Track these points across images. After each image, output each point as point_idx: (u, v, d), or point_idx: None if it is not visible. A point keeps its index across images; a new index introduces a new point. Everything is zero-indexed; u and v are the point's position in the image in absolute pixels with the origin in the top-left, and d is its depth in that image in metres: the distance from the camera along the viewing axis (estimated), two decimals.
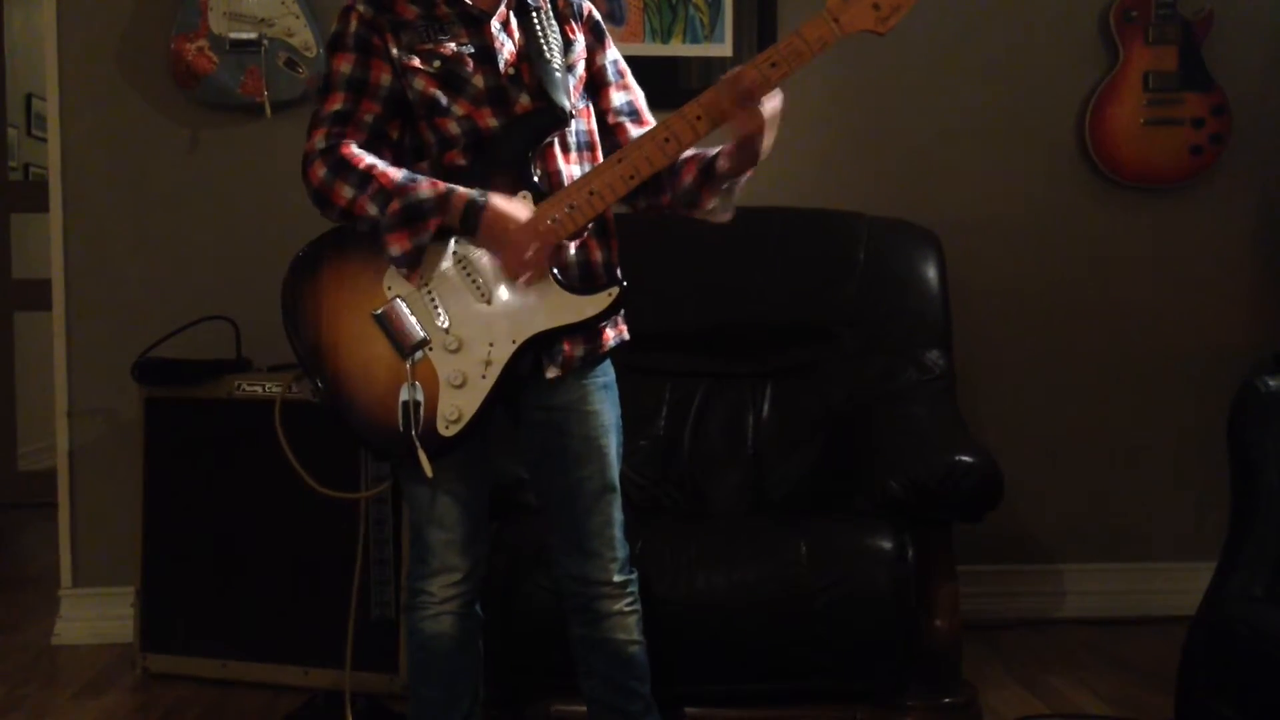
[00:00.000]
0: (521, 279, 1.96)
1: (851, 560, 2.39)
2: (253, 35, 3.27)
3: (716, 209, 2.06)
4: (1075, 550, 3.52)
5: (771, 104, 1.92)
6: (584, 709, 2.23)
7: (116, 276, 3.38)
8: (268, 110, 3.28)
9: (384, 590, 2.83)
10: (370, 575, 2.85)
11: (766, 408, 2.95)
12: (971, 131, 3.46)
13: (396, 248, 1.94)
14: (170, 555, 3.09)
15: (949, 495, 2.42)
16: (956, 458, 2.45)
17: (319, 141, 1.98)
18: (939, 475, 2.43)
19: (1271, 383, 2.12)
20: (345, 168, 1.95)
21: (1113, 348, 3.52)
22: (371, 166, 1.95)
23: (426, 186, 1.93)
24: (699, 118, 1.93)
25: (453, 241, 1.98)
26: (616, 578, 2.11)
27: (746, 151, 1.97)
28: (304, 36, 3.29)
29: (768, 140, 1.95)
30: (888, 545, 2.39)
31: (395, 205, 1.92)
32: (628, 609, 2.13)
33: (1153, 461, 3.52)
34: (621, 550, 2.13)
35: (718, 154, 2.01)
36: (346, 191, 1.94)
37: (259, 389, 2.99)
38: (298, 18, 3.29)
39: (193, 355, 3.11)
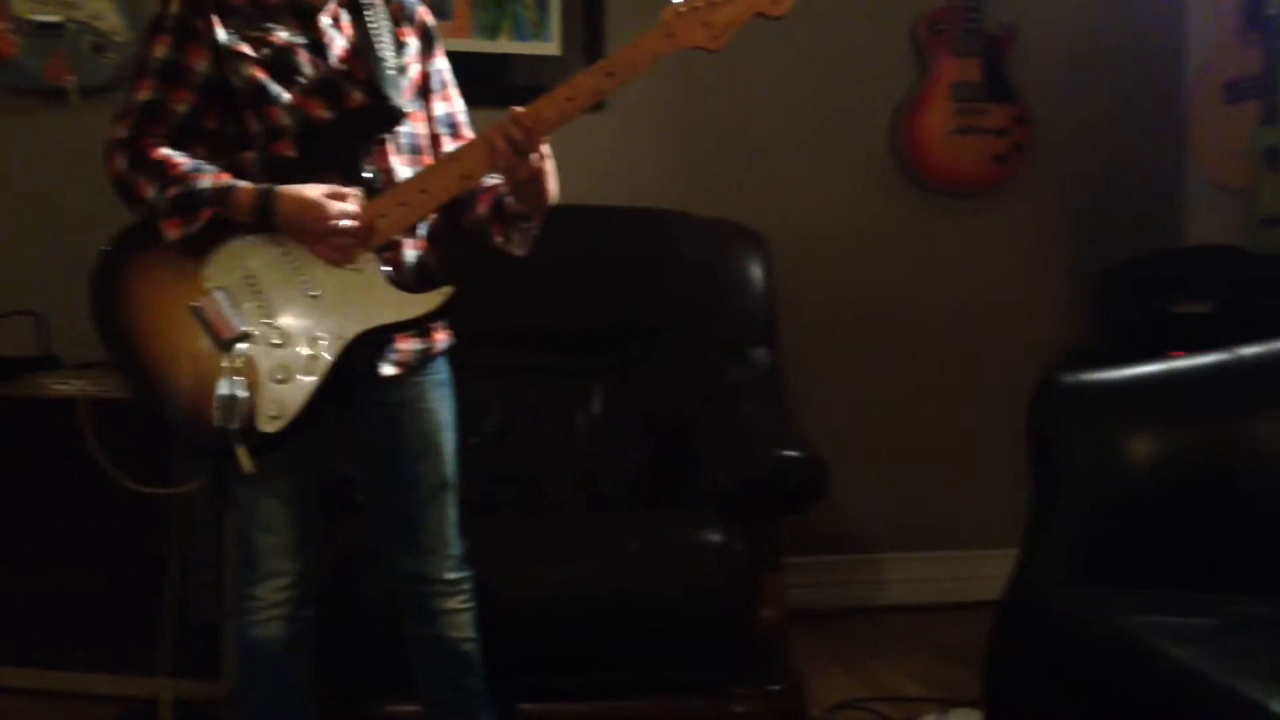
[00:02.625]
0: (344, 261, 1.92)
1: (682, 553, 2.44)
2: (58, 18, 3.12)
3: (508, 243, 2.07)
4: (895, 540, 3.65)
5: (543, 150, 1.94)
6: (418, 708, 2.22)
7: None
8: (74, 96, 3.13)
9: (206, 594, 2.74)
10: (192, 578, 2.76)
11: (598, 405, 2.98)
12: (794, 138, 3.54)
13: (169, 234, 1.89)
14: None
15: (776, 489, 2.49)
16: (782, 452, 2.53)
17: (121, 131, 1.92)
18: (766, 470, 2.50)
19: (1067, 378, 2.24)
20: (143, 160, 1.89)
21: (928, 347, 3.65)
22: (166, 157, 1.90)
23: (209, 178, 1.89)
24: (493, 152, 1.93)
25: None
26: (451, 575, 2.11)
27: (529, 197, 1.98)
28: (112, 21, 3.16)
29: (551, 186, 1.97)
30: (717, 538, 2.44)
31: (174, 190, 1.87)
32: (462, 606, 2.13)
33: (965, 455, 3.66)
34: (456, 547, 2.12)
35: (508, 192, 2.02)
36: (141, 180, 1.89)
37: (67, 386, 2.86)
38: (106, 1, 3.16)
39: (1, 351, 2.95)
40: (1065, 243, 3.72)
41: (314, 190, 1.90)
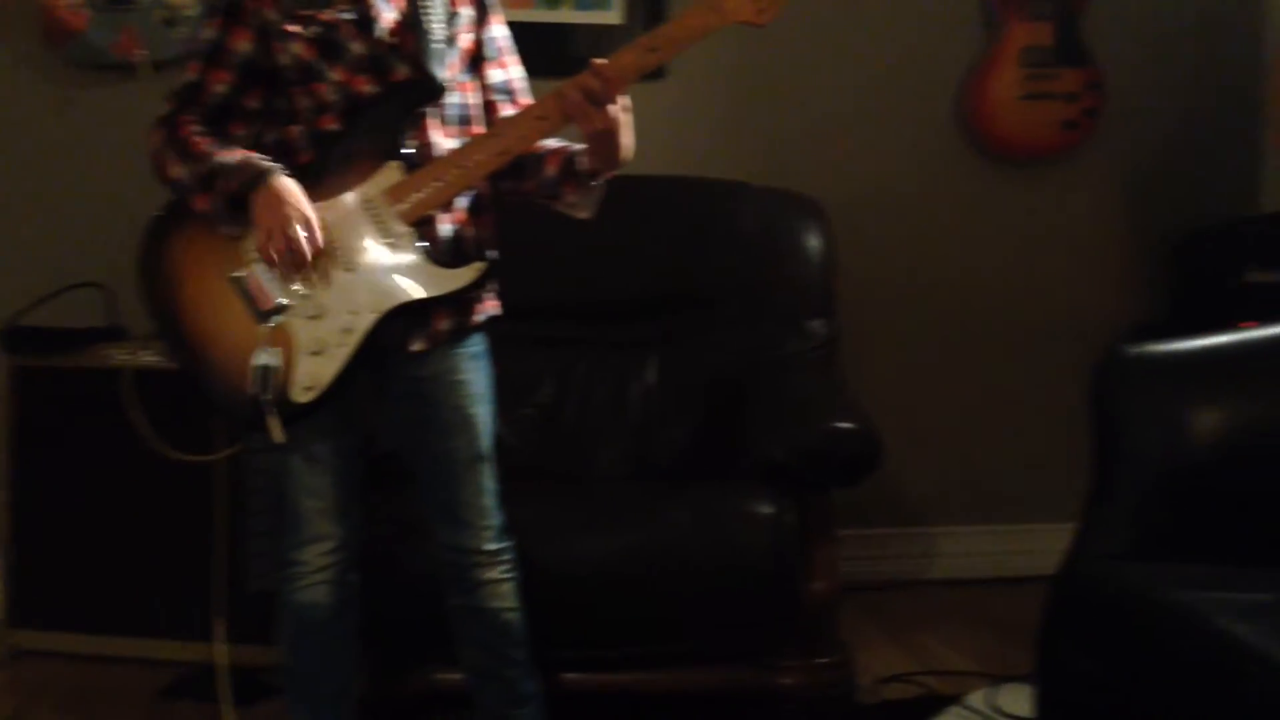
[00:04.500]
0: (268, 260, 1.94)
1: (732, 525, 2.44)
2: None
3: (577, 205, 2.07)
4: (949, 513, 3.61)
5: (622, 103, 1.94)
6: (464, 677, 2.23)
7: None
8: (144, 70, 3.18)
9: (260, 561, 2.78)
10: (247, 545, 2.81)
11: (650, 376, 2.96)
12: (857, 105, 3.49)
13: (198, 207, 1.95)
14: (41, 529, 3.00)
15: (827, 460, 2.47)
16: (835, 424, 2.50)
17: (164, 109, 1.99)
18: (818, 441, 2.48)
19: (1132, 349, 2.19)
20: (175, 138, 1.96)
21: (988, 317, 3.59)
22: (192, 135, 1.95)
23: (230, 154, 1.94)
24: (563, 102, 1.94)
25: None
26: (490, 546, 2.12)
27: (602, 151, 1.97)
28: None
29: (625, 140, 1.96)
30: (768, 510, 2.43)
31: (199, 168, 1.93)
32: (503, 576, 2.14)
33: (1023, 427, 3.60)
34: (495, 518, 2.13)
35: (581, 149, 2.02)
36: (169, 157, 1.96)
37: (132, 357, 2.92)
38: None
39: (65, 323, 3.01)
40: (1134, 212, 3.62)
41: (294, 195, 1.91)
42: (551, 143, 2.07)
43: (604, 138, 1.94)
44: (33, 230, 3.27)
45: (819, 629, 2.50)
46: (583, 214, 2.08)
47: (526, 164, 2.07)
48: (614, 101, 1.91)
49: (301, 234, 1.90)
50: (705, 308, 2.99)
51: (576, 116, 1.92)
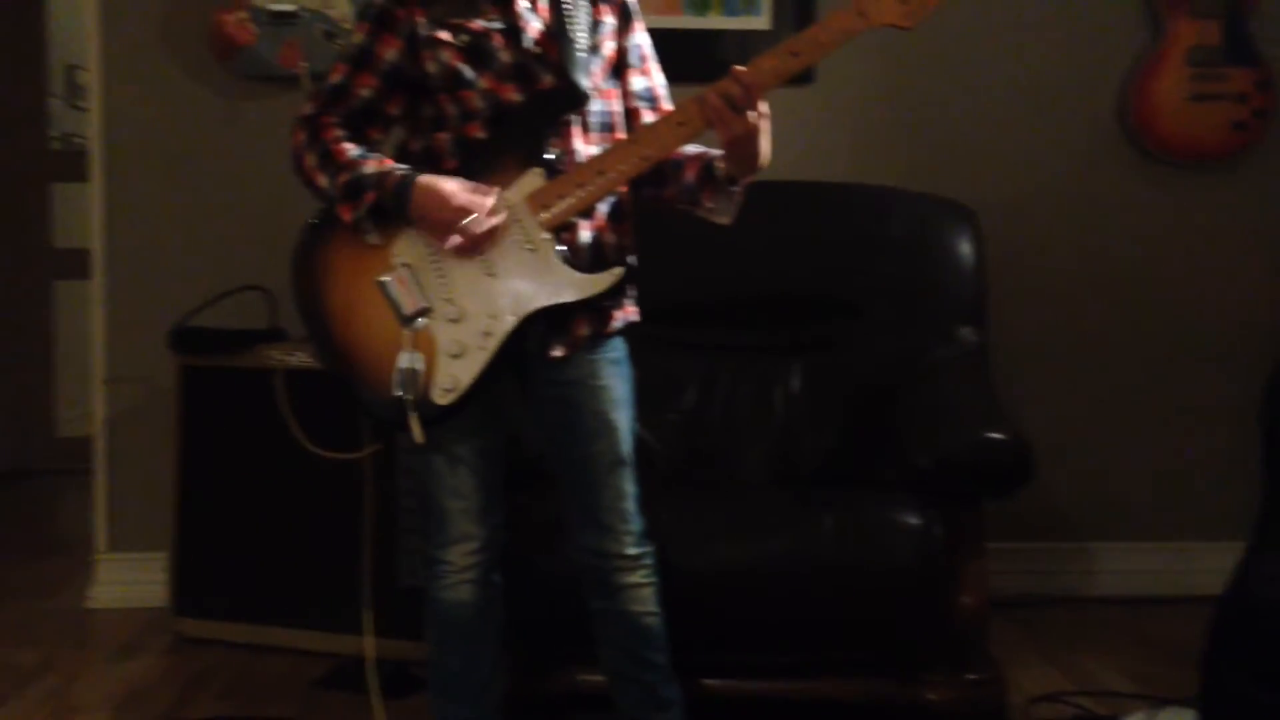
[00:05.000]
0: (457, 254, 1.97)
1: (878, 534, 2.40)
2: (292, 7, 3.28)
3: (715, 210, 2.06)
4: (1106, 529, 3.49)
5: (761, 109, 1.92)
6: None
7: (155, 246, 3.41)
8: (306, 82, 3.28)
9: (411, 559, 2.84)
10: (398, 543, 2.87)
11: (796, 382, 2.93)
12: (1010, 107, 3.43)
13: (344, 217, 1.99)
14: (204, 521, 3.13)
15: (978, 472, 2.41)
16: (986, 434, 2.44)
17: (308, 109, 2.04)
18: (968, 451, 2.42)
19: None
20: (317, 139, 2.01)
21: (1150, 325, 3.48)
22: (335, 139, 2.00)
23: (373, 163, 1.98)
24: (705, 107, 1.94)
25: None
26: (631, 550, 2.12)
27: (739, 156, 1.96)
28: (342, 8, 3.30)
29: (763, 145, 1.95)
30: (915, 521, 2.38)
31: (343, 177, 1.97)
32: (643, 580, 2.13)
33: (1186, 441, 3.48)
34: (636, 523, 2.13)
35: (719, 155, 2.01)
36: (311, 159, 2.01)
37: (290, 358, 3.01)
38: None
39: (229, 324, 3.13)
40: None
41: (451, 183, 1.95)
42: (691, 149, 2.07)
43: (742, 143, 1.93)
44: (202, 236, 3.42)
45: (968, 644, 2.44)
46: (722, 219, 2.07)
47: (667, 170, 2.08)
48: (754, 108, 1.90)
49: (470, 213, 1.93)
50: (853, 314, 2.95)
51: (716, 122, 1.92)
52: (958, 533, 2.43)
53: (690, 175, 2.05)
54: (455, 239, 1.96)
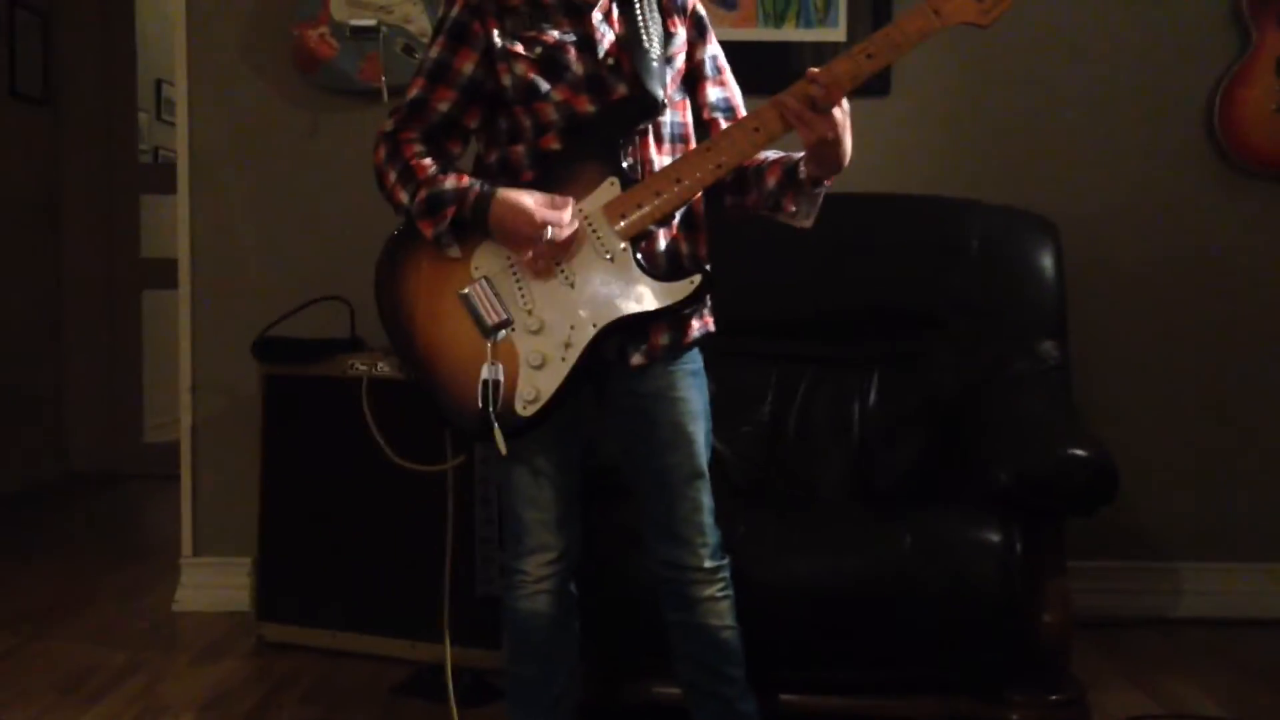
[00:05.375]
0: (537, 272, 1.99)
1: (958, 551, 2.37)
2: (372, 22, 3.33)
3: (798, 214, 2.06)
4: (1194, 548, 3.42)
5: (843, 109, 1.92)
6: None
7: (240, 256, 3.48)
8: (385, 95, 3.32)
9: (489, 568, 2.86)
10: (476, 552, 2.89)
11: (873, 395, 2.91)
12: (1094, 118, 3.37)
13: (425, 232, 2.01)
14: (287, 527, 3.18)
15: (1060, 488, 2.37)
16: (1069, 450, 2.39)
17: (389, 125, 2.06)
18: (1050, 467, 2.38)
19: None
20: (398, 155, 2.03)
21: (1238, 341, 3.40)
22: (415, 155, 2.02)
23: (452, 179, 1.99)
24: (784, 111, 1.95)
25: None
26: (707, 563, 2.12)
27: (822, 157, 1.96)
28: (421, 23, 3.34)
29: (845, 145, 1.95)
30: (995, 537, 2.35)
31: (422, 194, 1.99)
32: (720, 594, 2.13)
33: (1274, 459, 3.40)
34: (712, 536, 2.13)
35: (801, 158, 2.01)
36: (392, 176, 2.03)
37: (370, 368, 3.05)
38: (415, 4, 3.35)
39: (311, 334, 3.18)
40: None
41: (529, 198, 1.96)
42: (771, 154, 2.07)
43: (825, 144, 1.93)
44: (284, 247, 3.48)
45: (1050, 664, 2.40)
46: (803, 223, 2.07)
47: (747, 177, 2.08)
48: (835, 106, 1.90)
49: (549, 229, 1.94)
50: (931, 326, 2.92)
51: (797, 124, 1.92)
52: (1039, 550, 2.40)
53: (772, 180, 2.06)
54: (535, 252, 1.97)
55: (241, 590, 3.34)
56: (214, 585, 3.48)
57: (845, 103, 1.93)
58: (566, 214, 1.97)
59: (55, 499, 5.01)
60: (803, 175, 2.01)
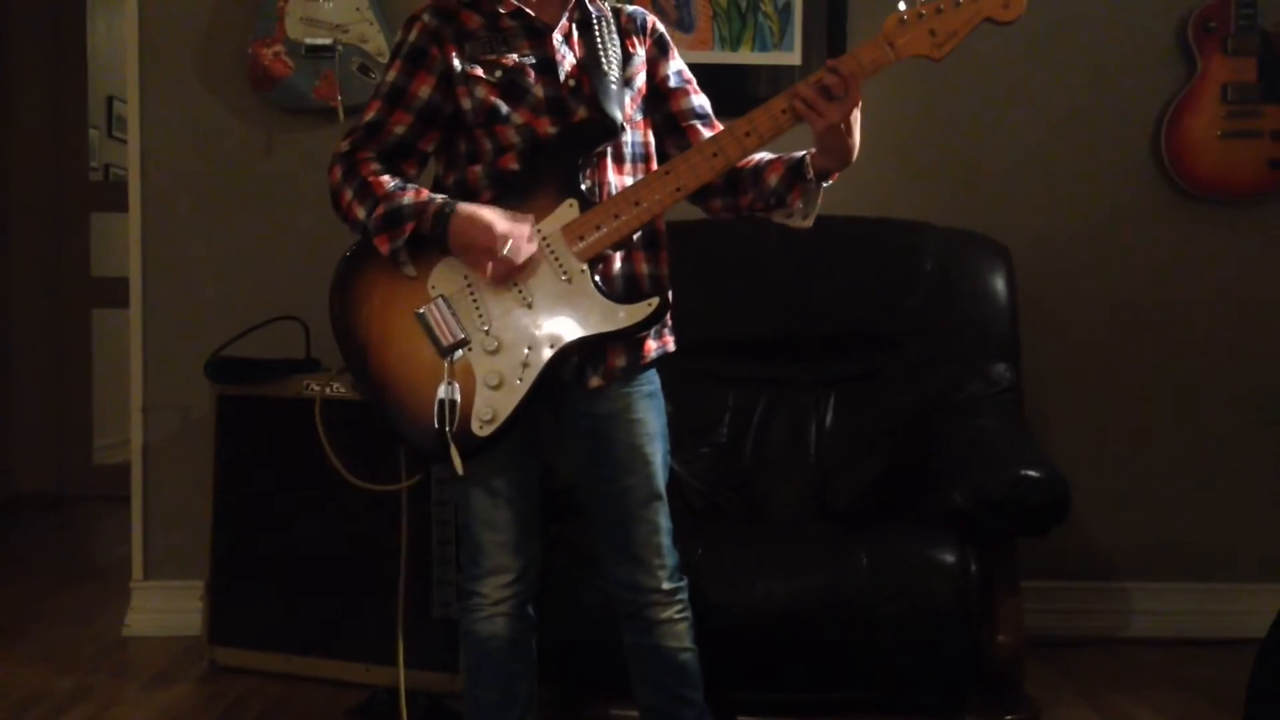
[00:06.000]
0: (496, 284, 1.99)
1: (914, 571, 2.39)
2: (328, 41, 3.32)
3: (798, 212, 2.07)
4: (1144, 569, 3.45)
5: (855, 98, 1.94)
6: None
7: (192, 275, 3.45)
8: (341, 115, 3.32)
9: (446, 590, 2.85)
10: (433, 574, 2.87)
11: (830, 416, 2.94)
12: (1045, 143, 3.42)
13: (381, 248, 2.00)
14: (239, 550, 3.14)
15: (1014, 509, 2.41)
16: (1022, 471, 2.43)
17: (344, 145, 2.06)
18: (1004, 488, 2.42)
19: None
20: (354, 173, 2.03)
21: (1187, 364, 3.45)
22: (372, 173, 2.02)
23: (410, 195, 1.99)
24: (747, 134, 1.98)
25: None
26: (665, 585, 2.12)
27: (835, 148, 1.98)
28: (377, 42, 3.34)
29: (856, 135, 1.97)
30: (950, 558, 2.38)
31: (380, 209, 1.99)
32: (678, 616, 2.13)
33: (1224, 481, 3.44)
34: (670, 558, 2.13)
35: (807, 154, 2.03)
36: (349, 193, 2.02)
37: (325, 388, 3.03)
38: (371, 24, 3.34)
39: (265, 354, 3.16)
40: None
41: (489, 212, 1.96)
42: (767, 155, 2.08)
43: (838, 134, 1.94)
44: (238, 266, 3.45)
45: (1004, 683, 2.43)
46: (803, 223, 2.08)
47: (742, 178, 2.09)
48: (853, 93, 1.92)
49: (509, 242, 1.95)
50: (885, 348, 2.95)
51: (811, 115, 1.93)
52: (993, 570, 2.43)
53: (774, 178, 2.06)
54: (494, 267, 1.97)
55: (193, 614, 3.28)
56: (165, 609, 3.43)
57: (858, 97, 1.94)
58: (526, 229, 1.97)
59: (1, 520, 4.92)
60: (810, 169, 2.02)
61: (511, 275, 1.99)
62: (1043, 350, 3.27)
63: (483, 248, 1.96)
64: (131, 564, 3.47)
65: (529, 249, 1.97)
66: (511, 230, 1.95)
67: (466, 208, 1.97)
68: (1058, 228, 3.42)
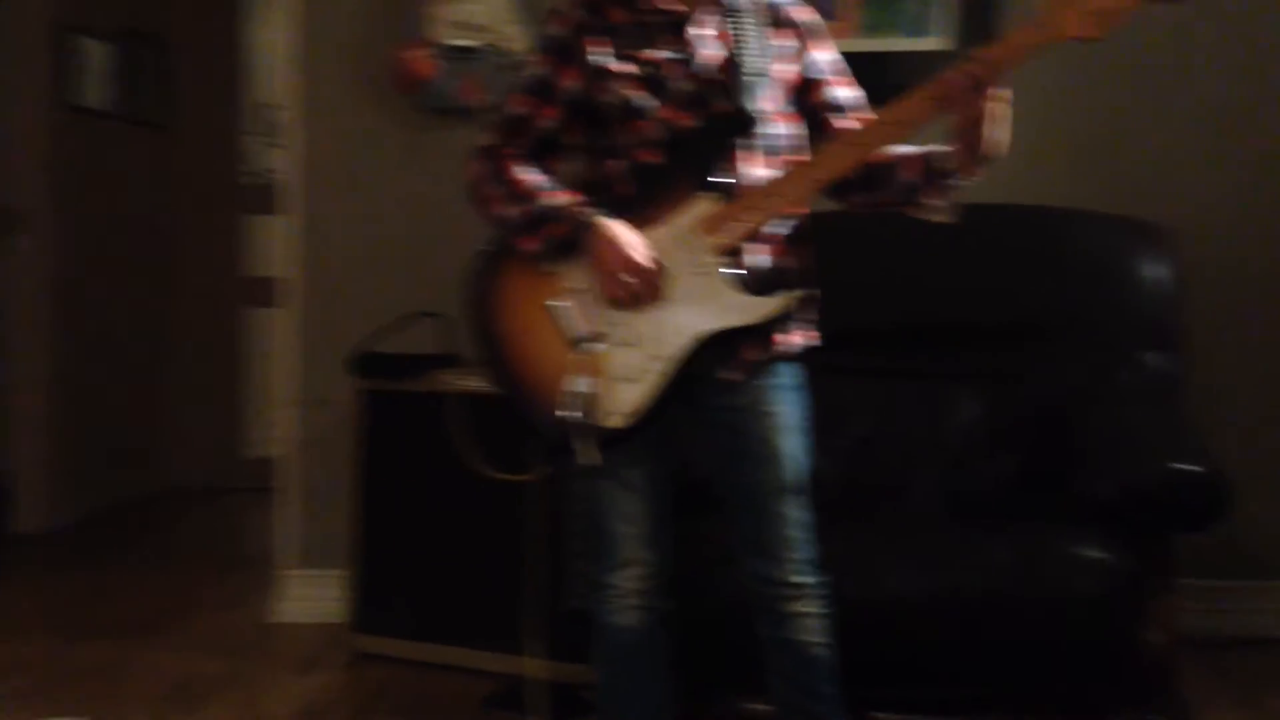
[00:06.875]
0: (623, 305, 1.98)
1: (1059, 568, 2.31)
2: (474, 42, 3.38)
3: (938, 209, 2.02)
4: None
5: (1004, 94, 1.89)
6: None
7: (338, 274, 3.54)
8: (485, 115, 3.35)
9: (580, 582, 2.85)
10: (568, 566, 2.88)
11: (972, 408, 2.85)
12: (1205, 123, 3.29)
13: (525, 248, 2.02)
14: (382, 540, 3.21)
15: (1165, 504, 2.31)
16: (1175, 465, 2.33)
17: (486, 139, 2.08)
18: (1154, 482, 2.32)
19: None
20: (498, 170, 2.04)
21: None
22: (518, 170, 2.03)
23: (554, 196, 2.01)
24: (885, 125, 1.94)
25: None
26: (796, 579, 2.07)
27: (974, 144, 1.92)
28: (522, 43, 3.37)
29: (1001, 136, 1.91)
30: (1097, 553, 2.29)
31: (527, 209, 2.01)
32: (812, 610, 2.08)
33: None
34: (803, 551, 2.09)
35: (949, 149, 1.97)
36: (492, 190, 2.04)
37: (464, 382, 3.07)
38: (516, 24, 3.38)
39: (411, 350, 3.22)
40: None
41: (627, 234, 1.97)
42: (902, 149, 2.03)
43: (983, 127, 1.89)
44: (382, 264, 3.53)
45: (1156, 684, 2.33)
46: (944, 218, 2.03)
47: (878, 174, 2.04)
48: (1000, 83, 1.86)
49: (637, 277, 1.96)
50: (1033, 338, 2.86)
51: (955, 106, 1.88)
52: (1144, 567, 2.33)
53: (909, 174, 2.02)
54: (612, 290, 1.97)
55: (338, 602, 3.37)
56: (311, 597, 3.52)
57: (1008, 90, 1.89)
58: (644, 259, 1.96)
59: (157, 513, 5.12)
60: (950, 165, 1.97)
61: (624, 305, 1.98)
62: (1210, 339, 3.13)
63: (611, 271, 1.96)
64: (279, 553, 3.58)
65: (651, 293, 1.97)
66: (640, 263, 1.95)
67: (605, 224, 1.97)
68: (1223, 211, 3.27)
